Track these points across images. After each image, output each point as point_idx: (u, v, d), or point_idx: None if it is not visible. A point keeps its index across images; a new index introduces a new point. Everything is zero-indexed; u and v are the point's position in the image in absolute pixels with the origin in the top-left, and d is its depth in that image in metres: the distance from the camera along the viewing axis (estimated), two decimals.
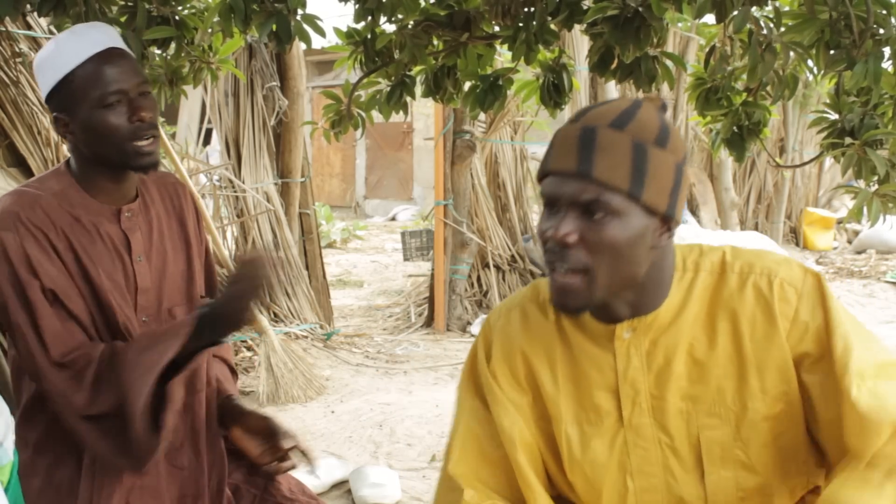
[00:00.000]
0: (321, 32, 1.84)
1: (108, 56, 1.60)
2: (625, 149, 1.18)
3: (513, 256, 6.48)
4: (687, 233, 7.13)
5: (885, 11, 1.60)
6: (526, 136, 6.82)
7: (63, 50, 1.61)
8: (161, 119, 5.15)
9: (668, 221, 1.23)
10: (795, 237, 10.48)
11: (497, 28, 2.09)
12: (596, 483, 1.34)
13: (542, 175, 1.25)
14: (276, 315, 5.21)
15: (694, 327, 1.29)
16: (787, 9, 1.83)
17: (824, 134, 1.95)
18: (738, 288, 1.28)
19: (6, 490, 1.89)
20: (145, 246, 1.72)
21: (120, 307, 1.66)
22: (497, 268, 6.39)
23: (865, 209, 1.80)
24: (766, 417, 1.27)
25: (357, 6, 1.99)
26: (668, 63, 2.02)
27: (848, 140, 1.86)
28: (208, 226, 3.93)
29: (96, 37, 1.62)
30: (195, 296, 1.81)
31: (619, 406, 1.32)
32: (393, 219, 13.94)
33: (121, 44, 1.66)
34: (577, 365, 1.34)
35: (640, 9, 1.77)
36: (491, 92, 2.20)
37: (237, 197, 5.24)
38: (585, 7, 1.89)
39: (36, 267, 1.58)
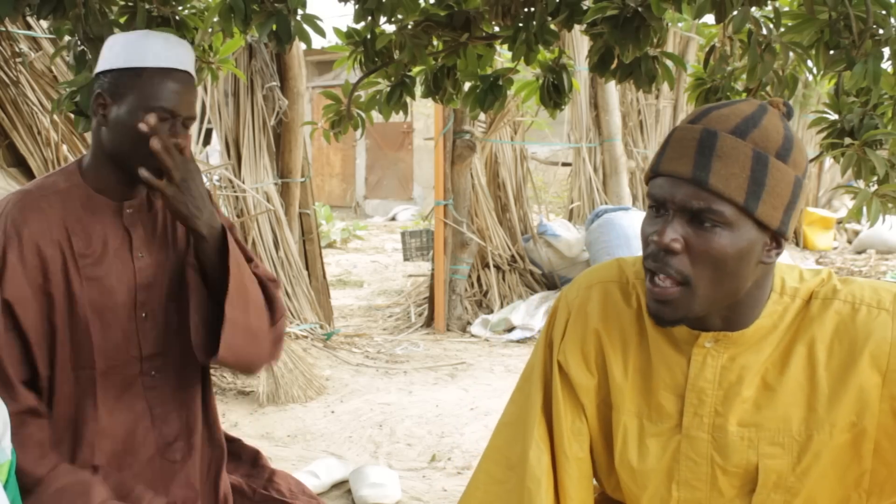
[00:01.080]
0: (321, 32, 1.84)
1: (181, 77, 1.64)
2: (745, 159, 1.13)
3: (513, 256, 6.48)
4: None
5: (884, 12, 1.60)
6: (526, 136, 6.81)
7: (149, 45, 1.63)
8: None
9: (778, 237, 1.17)
10: (795, 237, 10.47)
11: (497, 28, 2.09)
12: (640, 482, 1.31)
13: (653, 175, 1.20)
14: None
15: (773, 353, 1.24)
16: (786, 9, 1.83)
17: (824, 134, 1.95)
18: (818, 313, 1.23)
19: (5, 488, 1.88)
20: (147, 241, 1.73)
21: (113, 308, 1.67)
22: (497, 268, 6.39)
23: (865, 209, 1.80)
24: (830, 448, 1.22)
25: (357, 6, 1.99)
26: (669, 63, 2.02)
27: (847, 140, 1.86)
28: None
29: (183, 55, 1.66)
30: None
31: (681, 411, 1.28)
32: (393, 219, 13.94)
33: (193, 70, 1.69)
34: (650, 359, 1.31)
35: (640, 9, 1.77)
36: (491, 92, 2.20)
37: (237, 197, 5.24)
38: (585, 7, 1.89)
39: (6, 272, 1.59)
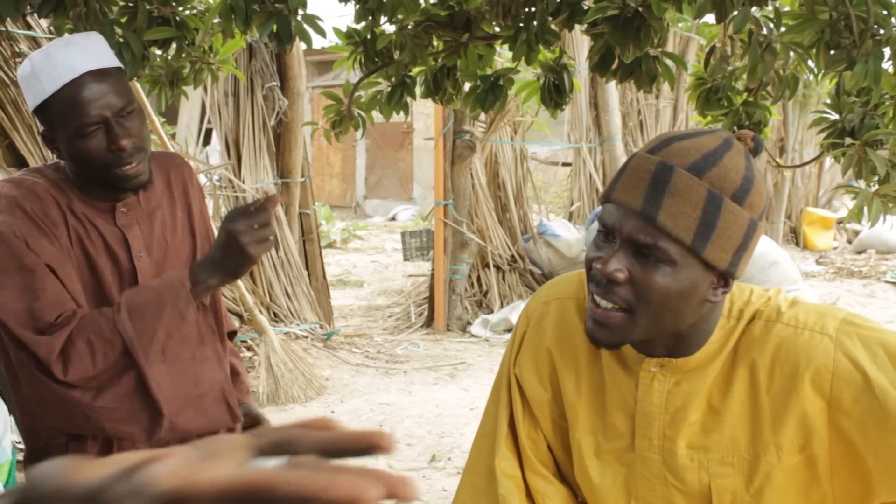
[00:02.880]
0: (322, 32, 1.84)
1: (84, 82, 1.52)
2: (698, 198, 1.10)
3: (513, 256, 6.48)
4: None
5: (885, 11, 1.60)
6: (526, 136, 6.82)
7: (39, 73, 1.53)
8: (161, 119, 5.16)
9: (726, 277, 1.15)
10: (795, 237, 10.49)
11: (497, 28, 2.09)
12: (599, 498, 1.32)
13: (605, 199, 1.18)
14: (276, 315, 5.21)
15: (718, 376, 1.23)
16: (787, 9, 1.83)
17: (824, 134, 1.95)
18: (760, 335, 1.21)
19: (5, 487, 1.89)
20: (146, 240, 1.68)
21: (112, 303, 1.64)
22: (497, 268, 6.39)
23: (866, 209, 1.80)
24: (781, 470, 1.21)
25: (357, 6, 1.99)
26: (669, 63, 2.02)
27: (848, 140, 1.86)
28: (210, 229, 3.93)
29: (71, 60, 1.53)
30: None
31: (633, 432, 1.28)
32: (393, 219, 13.94)
33: (102, 60, 1.56)
34: (601, 377, 1.31)
35: (641, 9, 1.77)
36: (491, 92, 2.20)
37: (237, 197, 5.24)
38: (586, 7, 1.89)
39: (34, 246, 1.54)
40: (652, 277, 1.12)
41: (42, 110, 1.56)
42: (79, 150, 1.54)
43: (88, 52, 1.55)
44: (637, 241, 1.12)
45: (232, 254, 1.56)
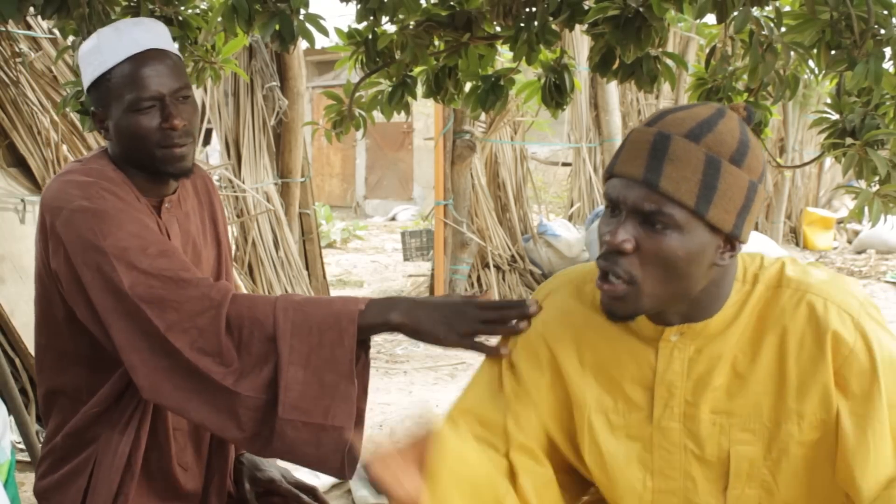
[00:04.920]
0: (324, 32, 1.85)
1: (147, 57, 1.55)
2: (696, 163, 1.13)
3: (513, 256, 6.48)
4: None
5: (886, 12, 1.60)
6: (526, 136, 6.82)
7: (103, 46, 1.56)
8: None
9: (732, 240, 1.18)
10: (795, 237, 10.49)
11: (498, 28, 2.09)
12: (612, 474, 1.33)
13: (608, 175, 1.21)
14: None
15: (741, 340, 1.25)
16: (787, 9, 1.83)
17: (825, 134, 1.95)
18: (791, 305, 1.23)
19: (5, 487, 1.89)
20: (182, 240, 1.69)
21: None
22: (497, 268, 6.39)
23: (867, 209, 1.80)
24: (799, 443, 1.23)
25: (358, 6, 1.99)
26: (670, 63, 2.02)
27: (849, 140, 1.86)
28: None
29: (138, 35, 1.56)
30: None
31: (651, 403, 1.30)
32: (393, 219, 13.94)
33: (165, 43, 1.60)
34: (612, 353, 1.32)
35: (641, 9, 1.77)
36: (492, 92, 2.20)
37: (237, 197, 5.24)
38: (586, 7, 1.89)
39: (139, 220, 1.53)
40: (659, 244, 1.15)
41: (99, 84, 1.57)
42: (130, 125, 1.55)
43: (155, 33, 1.59)
44: (642, 210, 1.15)
45: (442, 315, 1.44)
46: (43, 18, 2.49)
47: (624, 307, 1.20)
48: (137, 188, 1.63)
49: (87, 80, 1.60)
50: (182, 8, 1.98)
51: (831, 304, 1.21)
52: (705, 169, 1.13)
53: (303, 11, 1.81)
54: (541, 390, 1.35)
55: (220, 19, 1.87)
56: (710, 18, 1.75)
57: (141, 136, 1.55)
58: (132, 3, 1.93)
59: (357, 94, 2.25)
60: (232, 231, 5.41)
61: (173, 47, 1.62)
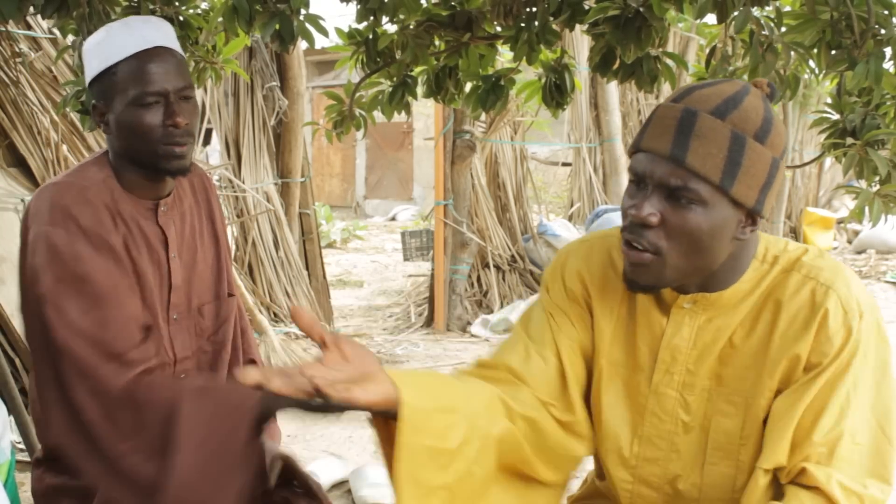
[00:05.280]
0: (324, 32, 1.85)
1: (154, 54, 1.57)
2: (722, 139, 1.16)
3: (513, 256, 6.48)
4: None
5: (886, 11, 1.60)
6: (526, 136, 6.81)
7: (112, 40, 1.58)
8: None
9: (753, 215, 1.21)
10: (795, 237, 10.48)
11: (499, 28, 2.09)
12: (604, 429, 1.36)
13: (634, 150, 1.23)
14: (276, 315, 5.21)
15: (746, 315, 1.28)
16: (788, 9, 1.83)
17: (825, 134, 1.96)
18: (795, 288, 1.25)
19: (4, 487, 1.89)
20: (178, 242, 1.70)
21: (153, 306, 1.63)
22: (497, 268, 6.39)
23: (867, 209, 1.80)
24: (763, 418, 1.26)
25: (359, 6, 1.99)
26: (670, 63, 2.02)
27: (849, 140, 1.86)
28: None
29: (147, 33, 1.59)
30: (223, 293, 1.79)
31: (653, 367, 1.33)
32: (393, 219, 13.94)
33: (172, 43, 1.62)
34: (633, 310, 1.35)
35: (642, 9, 1.77)
36: (493, 92, 2.20)
37: (237, 197, 5.24)
38: (587, 7, 1.89)
39: (91, 265, 1.53)
40: (684, 218, 1.17)
41: (103, 77, 1.58)
42: (133, 120, 1.56)
43: (163, 32, 1.61)
44: (668, 185, 1.17)
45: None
46: (43, 18, 2.49)
47: (647, 276, 1.23)
48: (133, 188, 1.64)
49: (92, 72, 1.60)
50: (183, 8, 1.98)
51: (832, 294, 1.23)
52: (730, 145, 1.16)
53: (303, 12, 1.81)
54: (575, 317, 1.39)
55: (220, 19, 1.87)
56: (711, 18, 1.75)
57: (143, 132, 1.56)
58: (132, 3, 1.93)
59: (357, 94, 2.25)
60: (232, 231, 5.41)
61: (179, 48, 1.64)
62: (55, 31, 3.93)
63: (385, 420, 1.12)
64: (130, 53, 1.56)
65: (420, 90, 2.27)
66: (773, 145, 1.20)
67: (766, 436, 1.23)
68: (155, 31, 1.60)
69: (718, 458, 1.30)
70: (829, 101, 1.99)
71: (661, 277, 1.22)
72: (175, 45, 1.63)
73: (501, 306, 6.22)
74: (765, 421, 1.26)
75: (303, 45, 1.88)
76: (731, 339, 1.28)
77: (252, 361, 1.91)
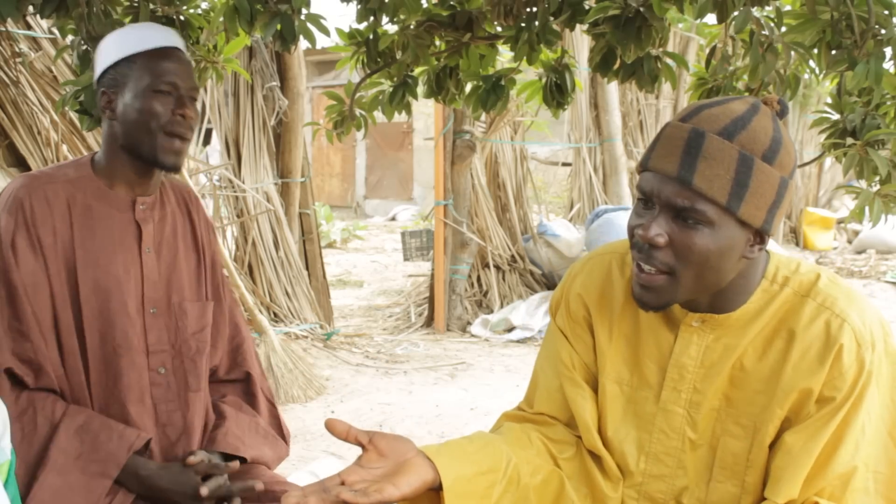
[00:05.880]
0: (326, 32, 1.85)
1: (171, 53, 1.69)
2: (730, 161, 1.16)
3: (513, 256, 6.48)
4: None
5: (886, 12, 1.60)
6: (526, 136, 6.82)
7: (135, 35, 1.69)
8: None
9: (761, 235, 1.21)
10: (795, 237, 10.49)
11: (499, 28, 2.09)
12: (611, 445, 1.36)
13: (642, 168, 1.24)
14: (276, 315, 5.21)
15: (757, 337, 1.28)
16: (788, 9, 1.83)
17: (825, 134, 1.95)
18: (810, 317, 1.25)
19: (5, 487, 1.88)
20: (156, 238, 1.76)
21: (106, 300, 1.67)
22: (497, 268, 6.39)
23: (867, 209, 1.80)
24: (769, 444, 1.27)
25: (359, 6, 1.99)
26: (671, 62, 2.02)
27: (849, 140, 1.86)
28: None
29: (168, 35, 1.71)
30: (204, 296, 1.83)
31: (661, 384, 1.33)
32: (393, 219, 13.94)
33: (186, 51, 1.74)
34: (639, 327, 1.36)
35: (642, 9, 1.77)
36: (493, 92, 2.20)
37: (237, 197, 5.23)
38: (587, 7, 1.89)
39: (19, 256, 1.61)
40: (691, 239, 1.18)
41: (119, 65, 1.67)
42: (143, 105, 1.65)
43: (179, 40, 1.74)
44: (675, 205, 1.18)
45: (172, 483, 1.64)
46: (41, 17, 2.49)
47: (657, 297, 1.23)
48: (116, 184, 1.71)
49: (107, 61, 1.68)
50: (184, 8, 1.98)
51: (847, 327, 1.22)
52: (738, 167, 1.16)
53: (304, 11, 1.81)
54: (580, 342, 1.41)
55: (221, 19, 1.87)
56: (711, 18, 1.74)
57: (151, 116, 1.65)
58: (133, 3, 1.93)
59: (358, 95, 2.25)
60: (232, 231, 5.41)
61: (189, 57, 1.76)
62: (55, 31, 3.93)
63: (435, 492, 1.18)
64: (151, 48, 1.67)
65: (421, 90, 2.27)
66: (782, 165, 1.19)
67: (779, 469, 1.23)
68: (173, 37, 1.73)
69: (725, 477, 1.30)
70: (829, 101, 1.99)
71: (674, 297, 1.23)
72: (188, 54, 1.74)
73: (501, 306, 6.22)
74: (770, 447, 1.26)
75: (303, 45, 1.88)
76: (742, 362, 1.28)
77: (248, 374, 1.93)
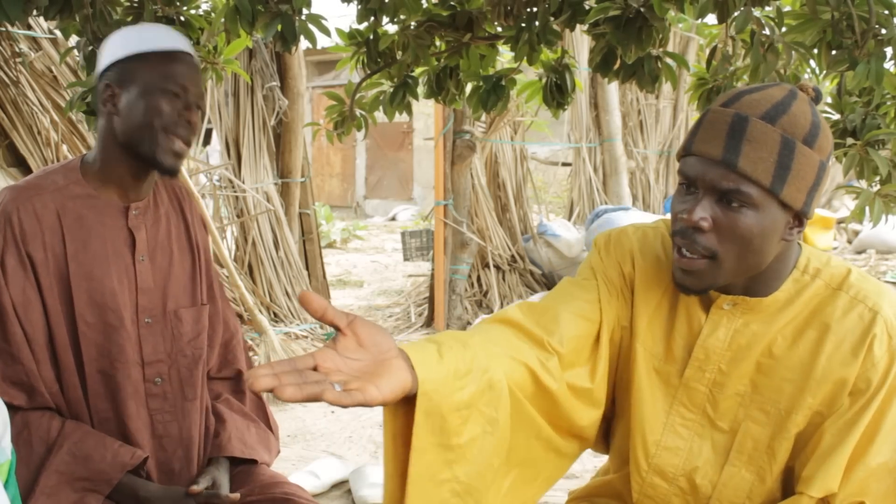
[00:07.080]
0: (326, 32, 1.85)
1: (184, 57, 1.66)
2: (773, 144, 1.19)
3: (513, 256, 6.48)
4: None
5: (887, 12, 1.60)
6: (526, 136, 6.82)
7: (148, 33, 1.66)
8: None
9: (801, 217, 1.24)
10: None
11: (500, 28, 2.09)
12: (640, 405, 1.37)
13: (684, 153, 1.26)
14: (276, 315, 5.21)
15: (787, 326, 1.30)
16: (788, 9, 1.83)
17: None
18: (843, 310, 1.28)
19: (5, 487, 1.88)
20: (150, 245, 1.71)
21: (101, 314, 1.64)
22: (497, 268, 6.39)
23: (868, 209, 1.80)
24: (796, 434, 1.28)
25: (359, 7, 1.99)
26: (671, 63, 2.02)
27: (850, 140, 1.86)
28: (210, 231, 3.93)
29: (182, 40, 1.69)
30: (198, 301, 1.80)
31: (686, 362, 1.34)
32: (393, 219, 13.94)
33: (196, 59, 1.72)
34: (675, 303, 1.37)
35: (642, 9, 1.77)
36: (494, 92, 2.20)
37: (237, 197, 5.24)
38: (588, 7, 1.89)
39: (8, 275, 1.59)
40: (736, 221, 1.20)
41: (130, 60, 1.63)
42: (150, 102, 1.61)
43: (191, 48, 1.72)
44: (720, 188, 1.20)
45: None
46: (46, 20, 2.49)
47: (699, 282, 1.25)
48: (108, 188, 1.68)
49: (118, 54, 1.64)
50: (185, 8, 1.98)
51: (880, 318, 1.26)
52: (781, 150, 1.19)
53: (305, 12, 1.81)
54: (616, 290, 1.40)
55: (222, 20, 1.87)
56: (711, 18, 1.75)
57: (155, 114, 1.61)
58: (134, 4, 1.93)
59: (358, 95, 2.25)
60: (232, 231, 5.41)
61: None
62: (55, 31, 3.94)
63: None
64: (164, 48, 1.64)
65: (421, 91, 2.27)
66: (821, 149, 1.22)
67: (813, 463, 1.24)
68: (187, 44, 1.70)
69: (741, 463, 1.31)
70: (829, 100, 1.99)
71: (715, 280, 1.25)
72: (198, 61, 1.71)
73: (501, 306, 6.22)
74: (796, 438, 1.28)
75: (303, 45, 1.88)
76: (771, 349, 1.30)
77: (239, 372, 1.91)
